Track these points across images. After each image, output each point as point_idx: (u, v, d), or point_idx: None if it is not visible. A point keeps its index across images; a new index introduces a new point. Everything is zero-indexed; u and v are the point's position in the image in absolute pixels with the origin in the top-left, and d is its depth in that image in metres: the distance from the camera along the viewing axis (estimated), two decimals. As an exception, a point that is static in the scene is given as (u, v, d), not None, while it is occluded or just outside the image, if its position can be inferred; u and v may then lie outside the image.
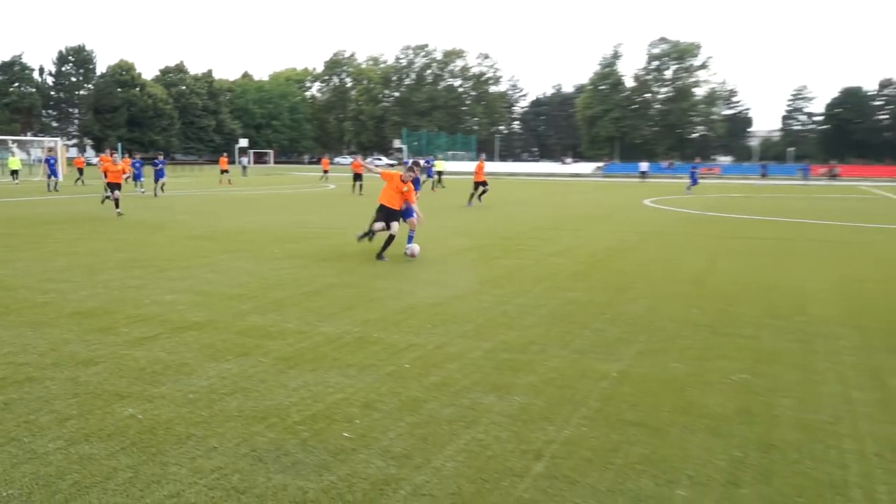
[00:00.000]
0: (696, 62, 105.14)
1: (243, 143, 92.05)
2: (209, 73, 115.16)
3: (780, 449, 4.21)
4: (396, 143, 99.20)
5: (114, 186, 19.63)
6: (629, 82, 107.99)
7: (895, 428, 4.53)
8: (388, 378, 5.43)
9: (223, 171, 41.24)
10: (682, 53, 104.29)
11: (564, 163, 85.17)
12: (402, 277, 10.04)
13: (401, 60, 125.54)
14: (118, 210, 19.11)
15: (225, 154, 46.90)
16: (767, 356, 6.15)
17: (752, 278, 10.11)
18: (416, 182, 12.46)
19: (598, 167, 78.48)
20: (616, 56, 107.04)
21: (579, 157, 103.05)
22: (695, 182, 36.56)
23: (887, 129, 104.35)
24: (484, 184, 24.83)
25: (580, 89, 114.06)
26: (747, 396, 5.12)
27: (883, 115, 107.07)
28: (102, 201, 22.37)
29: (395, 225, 11.57)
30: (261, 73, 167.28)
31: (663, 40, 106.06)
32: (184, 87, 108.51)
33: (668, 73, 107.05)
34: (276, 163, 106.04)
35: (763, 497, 3.63)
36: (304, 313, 7.55)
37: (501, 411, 4.79)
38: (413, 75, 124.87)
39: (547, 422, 4.60)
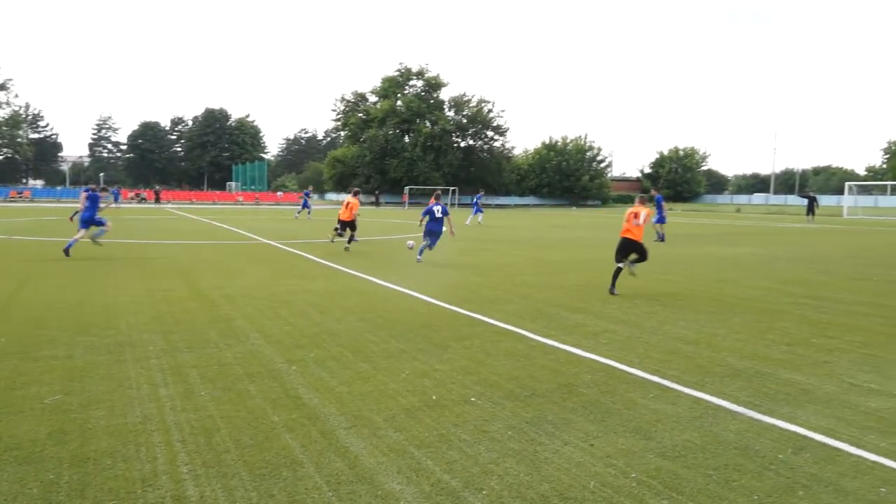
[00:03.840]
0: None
1: None
2: None
3: (94, 460, 4.05)
4: None
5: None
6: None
7: (196, 413, 4.90)
8: None
9: None
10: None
11: None
12: None
13: None
14: None
15: None
16: (80, 373, 5.84)
17: (63, 298, 9.48)
18: None
19: None
20: None
21: None
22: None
23: (182, 159, 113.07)
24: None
25: None
26: (61, 416, 4.75)
27: (178, 147, 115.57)
28: None
29: None
30: None
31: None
32: None
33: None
34: None
35: (78, 512, 3.41)
36: None
37: None
38: None
39: None
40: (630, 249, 11.18)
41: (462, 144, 77.90)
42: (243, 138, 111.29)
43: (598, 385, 5.84)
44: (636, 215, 11.21)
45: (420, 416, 4.96)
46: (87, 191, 15.51)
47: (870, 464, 4.24)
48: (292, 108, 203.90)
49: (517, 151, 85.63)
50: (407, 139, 74.83)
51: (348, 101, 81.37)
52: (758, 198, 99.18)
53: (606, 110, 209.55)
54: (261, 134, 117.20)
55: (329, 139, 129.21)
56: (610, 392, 5.65)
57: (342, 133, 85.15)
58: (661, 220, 22.85)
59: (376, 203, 64.74)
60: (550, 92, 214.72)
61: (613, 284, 11.00)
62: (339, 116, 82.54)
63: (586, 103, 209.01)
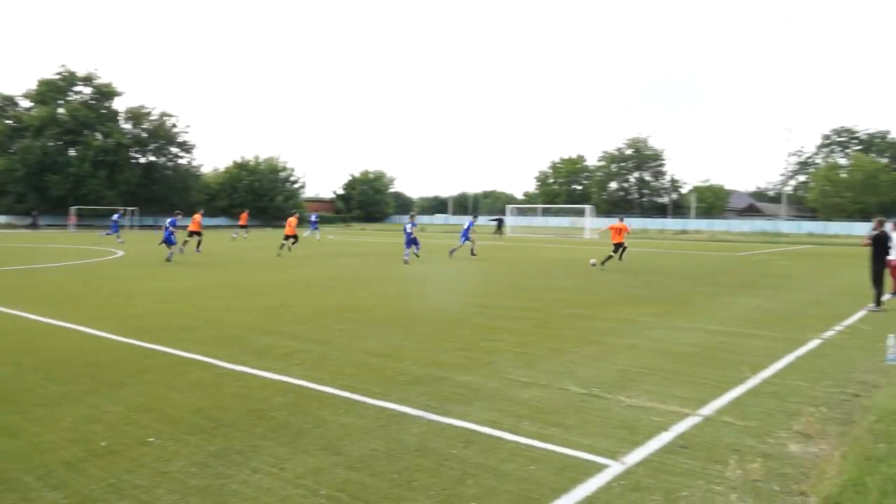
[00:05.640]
0: None
1: None
2: None
3: None
4: None
5: None
6: None
7: None
8: None
9: None
10: None
11: None
12: None
13: None
14: None
15: None
16: None
17: None
18: None
19: None
20: None
21: None
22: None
23: None
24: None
25: None
26: None
27: None
28: None
29: None
30: None
31: None
32: None
33: None
34: None
35: None
36: None
37: None
38: None
39: None
40: (618, 248, 21.41)
41: (142, 160, 71.29)
42: None
43: (288, 407, 5.81)
44: (619, 230, 21.33)
45: (85, 468, 4.38)
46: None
47: (523, 447, 4.93)
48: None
49: (206, 170, 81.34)
50: (73, 153, 65.78)
51: (-8, 106, 68.77)
52: (439, 218, 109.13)
53: (298, 132, 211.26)
54: None
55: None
56: (301, 412, 5.66)
57: (-15, 143, 71.52)
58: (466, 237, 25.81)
59: (34, 226, 55.63)
60: (241, 111, 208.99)
61: (603, 263, 21.13)
62: (-21, 123, 69.23)
63: (278, 124, 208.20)
